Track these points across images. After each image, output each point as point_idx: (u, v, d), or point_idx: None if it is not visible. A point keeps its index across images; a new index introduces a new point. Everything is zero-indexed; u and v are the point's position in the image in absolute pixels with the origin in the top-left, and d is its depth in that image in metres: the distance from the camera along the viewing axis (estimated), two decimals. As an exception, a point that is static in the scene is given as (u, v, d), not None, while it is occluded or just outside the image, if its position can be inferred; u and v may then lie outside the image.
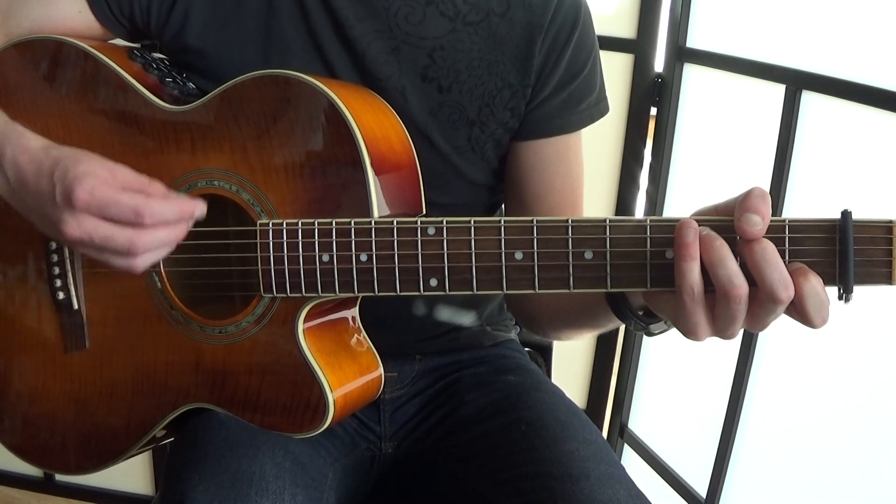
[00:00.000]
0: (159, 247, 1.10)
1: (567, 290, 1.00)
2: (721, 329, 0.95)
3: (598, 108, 1.38)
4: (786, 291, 0.89)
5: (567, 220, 0.99)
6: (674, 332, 1.05)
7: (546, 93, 1.32)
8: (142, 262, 1.10)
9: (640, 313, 1.10)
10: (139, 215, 1.05)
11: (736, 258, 0.91)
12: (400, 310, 1.40)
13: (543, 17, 1.29)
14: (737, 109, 2.03)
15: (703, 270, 0.92)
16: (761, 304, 0.92)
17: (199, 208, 1.12)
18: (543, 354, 1.70)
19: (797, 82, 1.80)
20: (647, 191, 2.26)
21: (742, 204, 0.90)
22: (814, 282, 0.90)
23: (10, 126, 1.17)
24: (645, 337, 2.35)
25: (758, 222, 0.89)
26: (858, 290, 0.92)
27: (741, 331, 0.97)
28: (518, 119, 1.33)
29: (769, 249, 0.90)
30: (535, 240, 1.00)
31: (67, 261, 1.27)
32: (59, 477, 2.58)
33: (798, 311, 0.91)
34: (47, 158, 1.10)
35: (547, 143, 1.35)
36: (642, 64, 2.19)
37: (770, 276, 0.89)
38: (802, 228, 0.91)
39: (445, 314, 1.45)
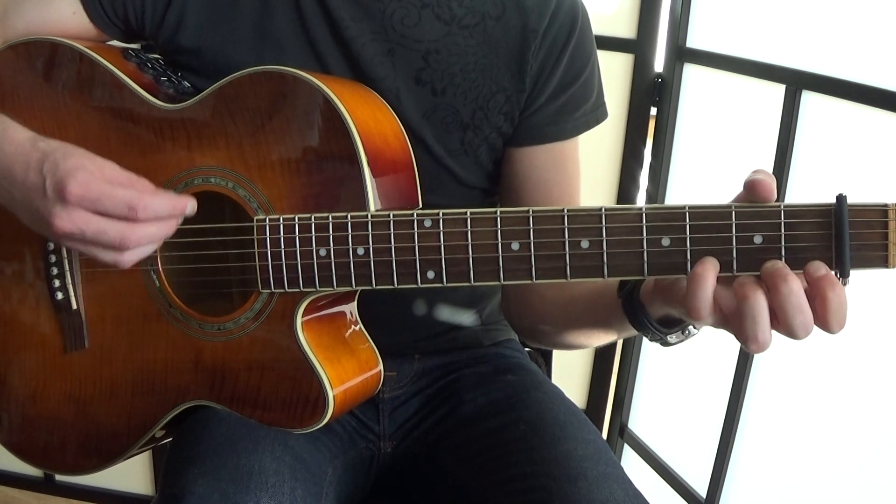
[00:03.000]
0: (149, 242, 1.10)
1: (564, 280, 1.00)
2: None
3: (595, 115, 1.38)
4: (805, 333, 0.90)
5: (563, 210, 0.99)
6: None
7: (542, 100, 1.32)
8: (129, 257, 1.10)
9: (658, 323, 1.10)
10: (133, 209, 1.06)
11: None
12: (399, 309, 1.40)
13: (539, 22, 1.29)
14: (737, 109, 2.03)
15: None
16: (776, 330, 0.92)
17: (190, 204, 1.12)
18: (543, 354, 1.69)
19: (797, 82, 1.80)
20: (647, 190, 2.25)
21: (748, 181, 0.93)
22: (840, 293, 0.89)
23: None
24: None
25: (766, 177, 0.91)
26: (857, 287, 0.92)
27: None
28: (512, 124, 1.33)
29: (795, 290, 0.89)
30: (532, 230, 1.00)
31: (65, 261, 1.27)
32: (59, 477, 2.58)
33: (821, 320, 0.90)
34: (35, 151, 1.10)
35: (542, 149, 1.34)
36: (642, 64, 2.19)
37: (793, 320, 0.90)
38: (798, 213, 0.91)
39: (445, 313, 1.45)
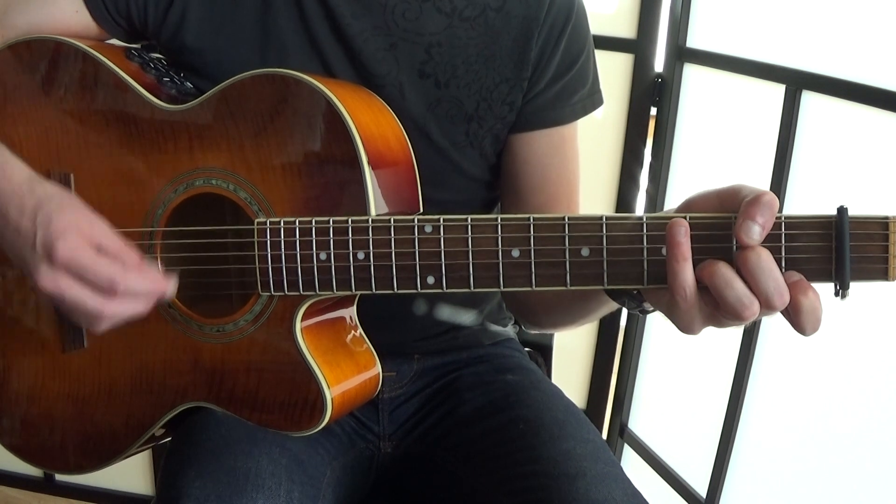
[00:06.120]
0: (122, 316, 1.11)
1: (564, 287, 1.00)
2: (718, 327, 0.96)
3: (592, 101, 1.38)
4: (780, 299, 0.90)
5: (564, 218, 0.99)
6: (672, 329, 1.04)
7: (541, 85, 1.32)
8: (104, 327, 1.11)
9: (634, 292, 1.09)
10: (113, 285, 1.06)
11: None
12: (399, 309, 1.40)
13: (539, 9, 1.29)
14: (737, 109, 2.03)
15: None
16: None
17: (170, 288, 1.12)
18: (543, 354, 1.70)
19: (797, 82, 1.80)
20: (647, 190, 2.26)
21: (746, 209, 0.90)
22: (812, 298, 0.90)
23: None
24: (645, 336, 2.37)
25: (756, 233, 0.89)
26: (857, 288, 0.92)
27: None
28: (515, 113, 1.33)
29: (764, 257, 0.90)
30: (532, 237, 1.00)
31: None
32: (58, 477, 2.58)
33: (793, 321, 0.91)
34: (31, 196, 1.10)
35: (540, 134, 1.35)
36: (642, 64, 2.19)
37: (765, 285, 0.89)
38: (798, 225, 0.91)
39: (444, 313, 1.45)
